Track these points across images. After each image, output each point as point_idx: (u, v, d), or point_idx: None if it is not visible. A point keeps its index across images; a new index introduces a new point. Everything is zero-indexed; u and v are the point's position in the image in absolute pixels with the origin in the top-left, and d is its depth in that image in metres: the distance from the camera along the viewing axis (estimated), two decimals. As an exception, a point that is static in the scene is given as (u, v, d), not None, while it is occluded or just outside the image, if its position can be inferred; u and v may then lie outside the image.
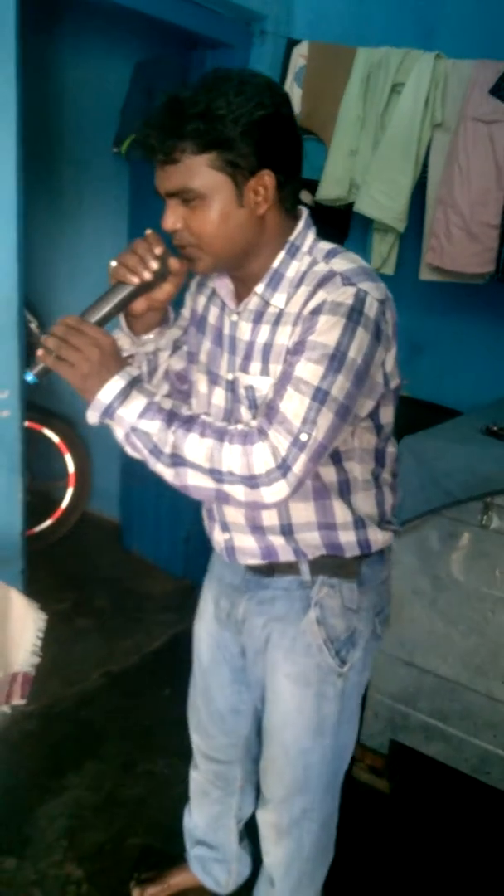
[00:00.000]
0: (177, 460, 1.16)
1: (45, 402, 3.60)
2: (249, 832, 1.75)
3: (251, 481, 1.13)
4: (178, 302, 1.44)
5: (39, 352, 1.19)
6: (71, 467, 3.61)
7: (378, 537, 1.36)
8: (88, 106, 3.49)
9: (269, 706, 1.48)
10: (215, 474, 1.15)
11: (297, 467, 1.12)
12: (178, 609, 3.15)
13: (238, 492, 1.15)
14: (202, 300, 1.41)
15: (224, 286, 1.33)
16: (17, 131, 1.98)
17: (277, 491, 1.13)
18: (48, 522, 3.58)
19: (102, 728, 2.45)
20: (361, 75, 2.53)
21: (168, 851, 1.94)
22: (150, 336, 1.36)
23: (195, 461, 1.15)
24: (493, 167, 2.36)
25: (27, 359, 2.34)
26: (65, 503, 3.63)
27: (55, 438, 3.56)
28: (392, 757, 2.23)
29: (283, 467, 1.12)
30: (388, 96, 2.50)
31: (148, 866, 1.92)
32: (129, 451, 1.21)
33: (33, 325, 3.33)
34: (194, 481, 1.16)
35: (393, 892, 1.94)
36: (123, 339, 1.36)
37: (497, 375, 2.72)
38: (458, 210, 2.43)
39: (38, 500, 3.43)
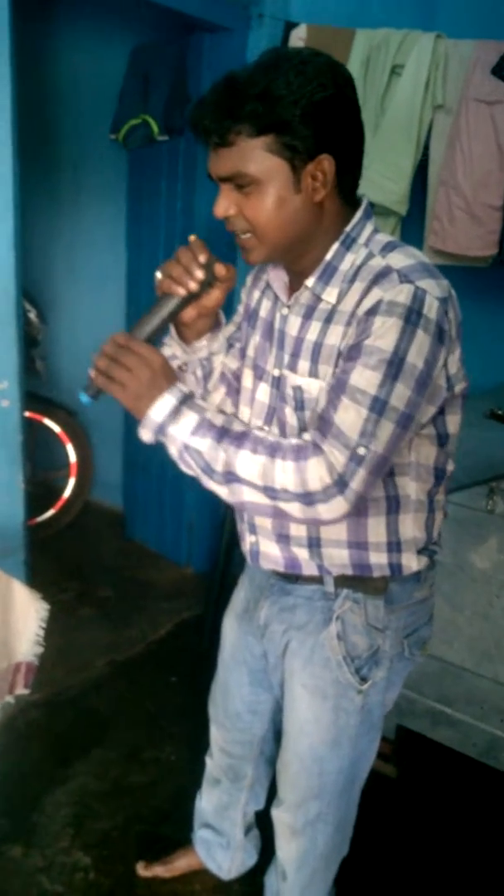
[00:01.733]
0: (230, 478, 1.13)
1: (45, 392, 3.60)
2: (262, 823, 1.75)
3: (307, 498, 1.09)
4: (232, 299, 1.41)
5: (92, 372, 1.16)
6: (72, 457, 3.61)
7: (412, 563, 1.28)
8: (85, 93, 3.47)
9: (286, 712, 1.45)
10: (269, 492, 1.11)
11: (356, 483, 1.08)
12: (182, 597, 3.15)
13: (294, 509, 1.11)
14: (256, 294, 1.35)
15: (278, 278, 1.27)
16: (12, 120, 1.96)
17: (336, 507, 1.09)
18: (50, 512, 3.58)
19: (108, 716, 2.45)
20: (361, 57, 2.50)
21: (174, 837, 1.94)
22: (203, 342, 1.33)
23: (248, 479, 1.12)
24: (496, 148, 2.34)
25: (25, 348, 2.33)
26: (67, 493, 3.63)
27: (56, 428, 3.55)
28: (399, 742, 2.23)
29: (341, 483, 1.07)
30: (388, 78, 2.48)
31: (154, 853, 1.92)
32: (183, 468, 1.18)
33: (32, 315, 3.32)
34: (250, 498, 1.13)
35: (401, 878, 1.94)
36: (175, 348, 1.33)
37: (501, 359, 2.71)
38: (461, 192, 2.41)
39: (40, 491, 3.43)
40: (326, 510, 1.09)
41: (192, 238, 1.20)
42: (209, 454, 1.14)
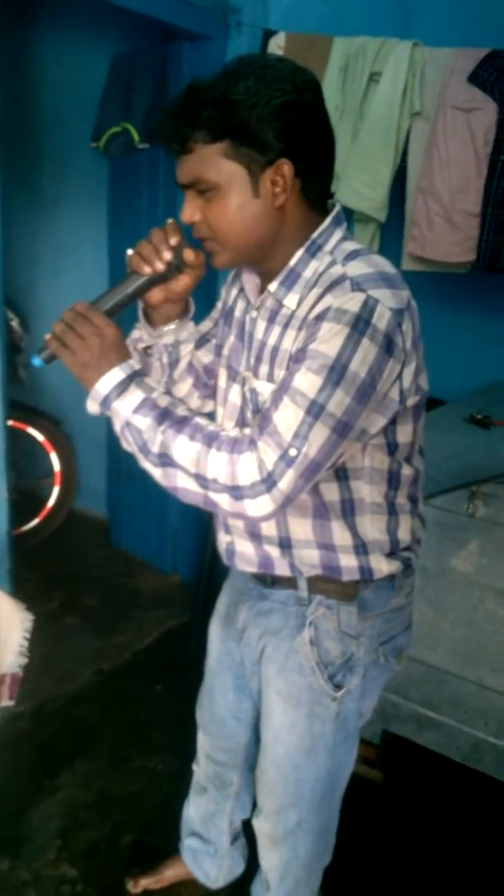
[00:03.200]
0: (164, 460, 1.13)
1: (28, 401, 3.58)
2: (249, 831, 1.75)
3: (235, 492, 1.09)
4: (211, 294, 1.41)
5: (47, 336, 1.17)
6: (56, 466, 3.59)
7: (382, 566, 1.28)
8: (66, 101, 3.46)
9: (263, 719, 1.45)
10: (201, 480, 1.11)
11: (284, 483, 1.07)
12: (169, 605, 3.15)
13: (223, 500, 1.11)
14: (234, 292, 1.36)
15: (250, 280, 1.27)
16: (-8, 128, 1.96)
17: (261, 505, 1.08)
18: (35, 521, 3.56)
19: (95, 726, 2.44)
20: (339, 65, 2.52)
21: (162, 847, 1.94)
22: (170, 328, 1.33)
23: (182, 464, 1.12)
24: (473, 155, 2.36)
25: (7, 356, 2.33)
26: (51, 502, 3.61)
27: (40, 437, 3.54)
28: (384, 747, 2.23)
29: (269, 482, 1.07)
30: (366, 85, 2.49)
31: (142, 863, 1.92)
32: (123, 444, 1.18)
33: (14, 323, 3.31)
34: (183, 484, 1.13)
35: (388, 882, 1.94)
36: (142, 330, 1.33)
37: (481, 364, 2.73)
38: (439, 199, 2.43)
39: (24, 500, 3.41)
40: (253, 506, 1.09)
41: (168, 221, 1.21)
42: (147, 434, 1.14)
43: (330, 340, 1.06)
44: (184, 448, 1.12)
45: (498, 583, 1.96)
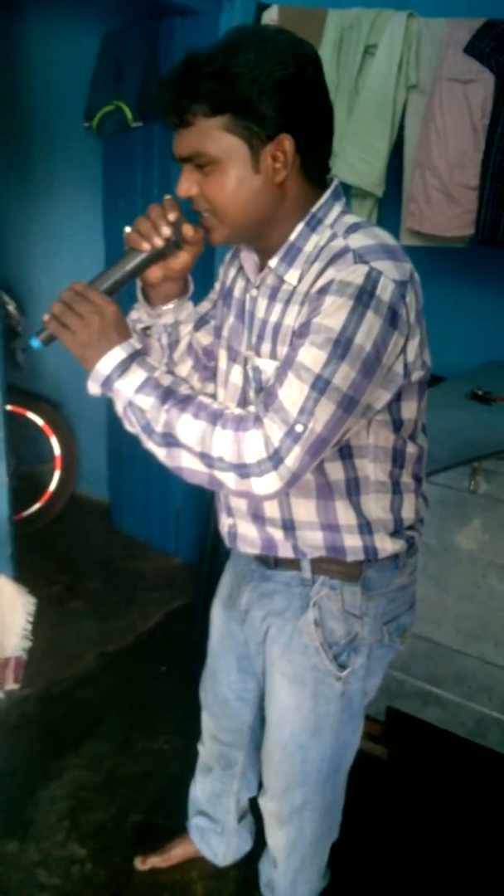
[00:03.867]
0: (169, 440, 1.12)
1: (28, 385, 3.57)
2: (255, 808, 1.76)
3: (241, 470, 1.07)
4: (210, 276, 1.39)
5: (45, 317, 1.15)
6: (57, 450, 3.59)
7: (387, 546, 1.28)
8: (57, 80, 3.42)
9: (267, 700, 1.45)
10: (206, 459, 1.10)
11: (291, 460, 1.06)
12: (172, 587, 3.15)
13: (229, 479, 1.09)
14: (232, 272, 1.34)
15: (249, 258, 1.25)
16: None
17: (269, 483, 1.07)
18: (36, 506, 3.56)
19: (100, 708, 2.45)
20: (333, 38, 2.48)
21: (169, 827, 1.95)
22: (169, 307, 1.31)
23: (187, 443, 1.10)
24: (470, 127, 2.32)
25: (4, 340, 2.31)
26: (52, 486, 3.61)
27: (39, 421, 3.53)
28: (389, 724, 2.24)
29: (275, 459, 1.05)
30: (361, 59, 2.45)
31: (149, 842, 1.93)
32: (126, 425, 1.17)
33: (11, 307, 3.29)
34: (188, 464, 1.12)
35: (394, 858, 1.96)
36: (140, 311, 1.32)
37: (481, 340, 2.71)
38: (437, 172, 2.40)
39: (25, 484, 3.41)
40: (259, 484, 1.08)
41: (166, 197, 1.19)
42: (151, 413, 1.12)
43: (334, 314, 1.04)
44: (188, 427, 1.10)
45: (500, 559, 1.95)
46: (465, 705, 2.10)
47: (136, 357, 1.15)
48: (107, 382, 1.14)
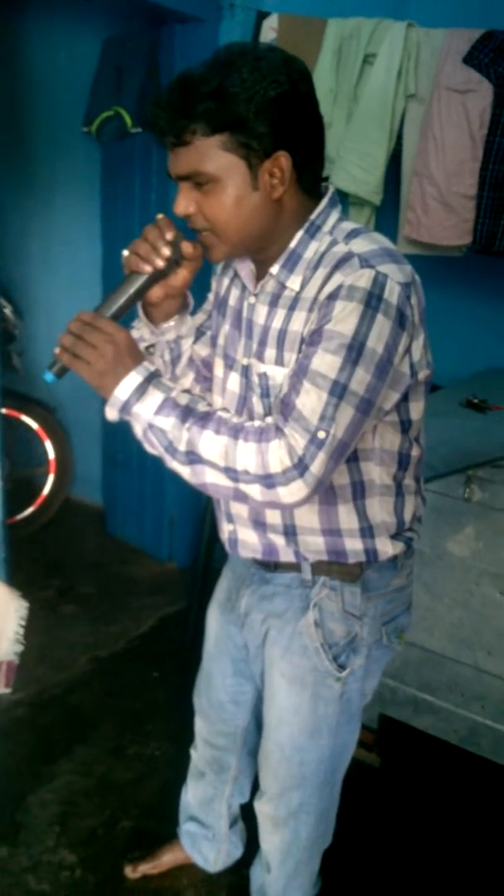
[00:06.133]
0: (192, 458, 1.12)
1: (22, 389, 3.57)
2: (246, 814, 1.75)
3: (267, 480, 1.09)
4: (204, 287, 1.41)
5: (57, 350, 1.15)
6: (51, 454, 3.58)
7: (388, 548, 1.29)
8: (57, 85, 3.43)
9: (266, 702, 1.45)
10: (230, 473, 1.11)
11: (316, 466, 1.07)
12: (165, 592, 3.15)
13: (255, 491, 1.10)
14: (225, 282, 1.35)
15: (245, 267, 1.27)
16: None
17: (295, 491, 1.08)
18: (30, 510, 3.56)
19: (92, 713, 2.44)
20: (333, 47, 2.49)
21: (160, 833, 1.94)
22: (171, 324, 1.32)
23: (210, 459, 1.11)
24: (468, 137, 2.34)
25: (3, 346, 2.31)
26: (46, 490, 3.60)
27: (34, 425, 3.52)
28: (382, 731, 2.24)
29: (301, 466, 1.07)
30: (360, 67, 2.46)
31: (141, 848, 1.92)
32: (147, 448, 1.17)
33: (7, 311, 3.29)
34: (212, 479, 1.13)
35: (386, 866, 1.95)
36: (143, 329, 1.32)
37: (476, 348, 2.72)
38: (434, 181, 2.41)
39: (18, 488, 3.40)
40: (286, 493, 1.09)
41: (159, 216, 1.20)
42: (172, 433, 1.13)
43: (345, 319, 1.06)
44: (211, 443, 1.11)
45: (494, 567, 1.96)
46: (457, 713, 2.09)
47: (151, 379, 1.15)
48: (125, 407, 1.15)
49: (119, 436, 3.21)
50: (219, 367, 1.35)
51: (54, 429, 3.59)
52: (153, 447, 1.16)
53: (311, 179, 1.18)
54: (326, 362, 1.07)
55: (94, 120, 3.03)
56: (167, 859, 1.88)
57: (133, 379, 1.14)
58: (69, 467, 3.70)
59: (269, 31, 2.61)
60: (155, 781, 2.17)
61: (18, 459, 3.53)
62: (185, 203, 1.15)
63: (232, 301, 1.32)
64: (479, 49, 2.29)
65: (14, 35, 3.45)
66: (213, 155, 1.10)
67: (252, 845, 1.72)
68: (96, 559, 3.40)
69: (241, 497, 1.13)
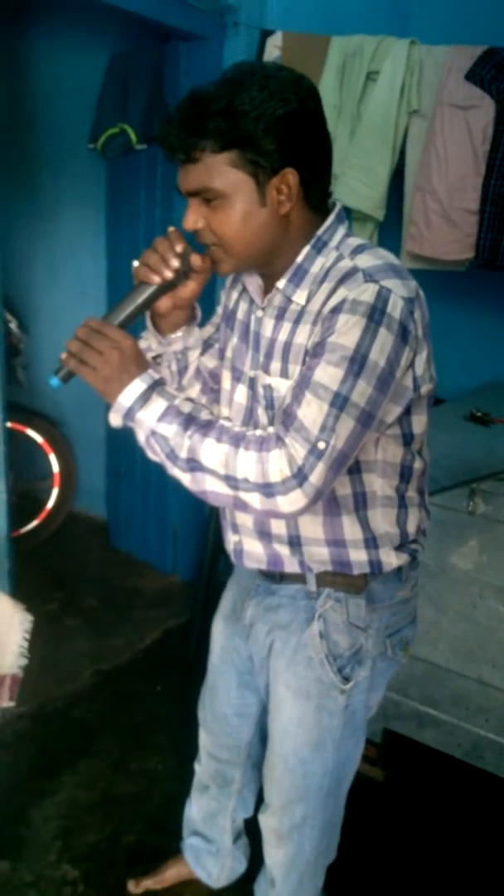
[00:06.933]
0: (193, 465, 1.14)
1: (27, 402, 3.58)
2: (250, 830, 1.74)
3: (266, 489, 1.10)
4: (212, 300, 1.42)
5: (63, 355, 1.17)
6: (55, 467, 3.59)
7: (392, 560, 1.30)
8: (63, 101, 3.46)
9: (271, 714, 1.45)
10: (231, 481, 1.12)
11: (315, 477, 1.08)
12: (168, 605, 3.14)
13: (254, 500, 1.12)
14: (234, 295, 1.37)
15: (253, 281, 1.29)
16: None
17: (294, 500, 1.09)
18: (34, 523, 3.56)
19: (95, 726, 2.43)
20: (336, 64, 2.52)
21: (163, 847, 1.93)
22: (178, 334, 1.34)
23: (211, 467, 1.12)
24: (471, 153, 2.36)
25: (6, 358, 2.32)
26: (50, 503, 3.61)
27: (38, 438, 3.53)
28: (385, 745, 2.23)
29: (300, 476, 1.08)
30: (363, 84, 2.49)
31: (144, 863, 1.91)
32: (149, 454, 1.19)
33: (13, 325, 3.31)
34: (212, 487, 1.14)
35: (390, 881, 1.94)
36: (150, 339, 1.34)
37: (479, 362, 2.73)
38: (437, 197, 2.43)
39: (23, 501, 3.41)
40: (285, 502, 1.10)
41: (170, 229, 1.22)
42: (175, 441, 1.14)
43: (348, 332, 1.08)
44: (212, 451, 1.12)
45: (498, 580, 1.95)
46: (461, 727, 2.09)
47: (156, 387, 1.17)
48: (129, 414, 1.16)
49: (123, 449, 3.22)
50: (226, 380, 1.36)
51: (58, 442, 3.60)
52: (155, 454, 1.18)
53: (318, 196, 1.20)
54: (328, 374, 1.08)
55: (99, 136, 3.06)
56: (170, 874, 1.87)
57: (137, 386, 1.15)
58: (73, 480, 3.70)
59: (273, 49, 2.64)
60: (158, 795, 2.17)
61: (23, 472, 3.53)
62: (194, 218, 1.17)
63: (240, 314, 1.34)
64: (481, 66, 2.31)
65: (21, 51, 3.49)
66: (221, 171, 1.12)
67: (256, 861, 1.71)
68: (100, 572, 3.40)
69: (241, 505, 1.14)
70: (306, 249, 1.20)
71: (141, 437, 1.18)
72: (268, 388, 1.24)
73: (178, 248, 1.20)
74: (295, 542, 1.30)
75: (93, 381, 1.16)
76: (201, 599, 2.77)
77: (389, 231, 2.62)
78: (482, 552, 1.96)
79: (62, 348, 1.18)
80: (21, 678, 1.66)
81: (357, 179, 2.49)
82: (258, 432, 1.14)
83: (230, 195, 1.13)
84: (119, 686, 2.64)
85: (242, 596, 1.48)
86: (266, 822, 1.53)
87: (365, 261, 1.13)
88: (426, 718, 2.14)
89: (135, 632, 2.95)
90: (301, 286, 1.20)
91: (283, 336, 1.21)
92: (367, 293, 1.08)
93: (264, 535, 1.32)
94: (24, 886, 1.87)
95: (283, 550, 1.31)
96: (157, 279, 1.20)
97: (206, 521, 2.89)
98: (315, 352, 1.12)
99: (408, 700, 2.15)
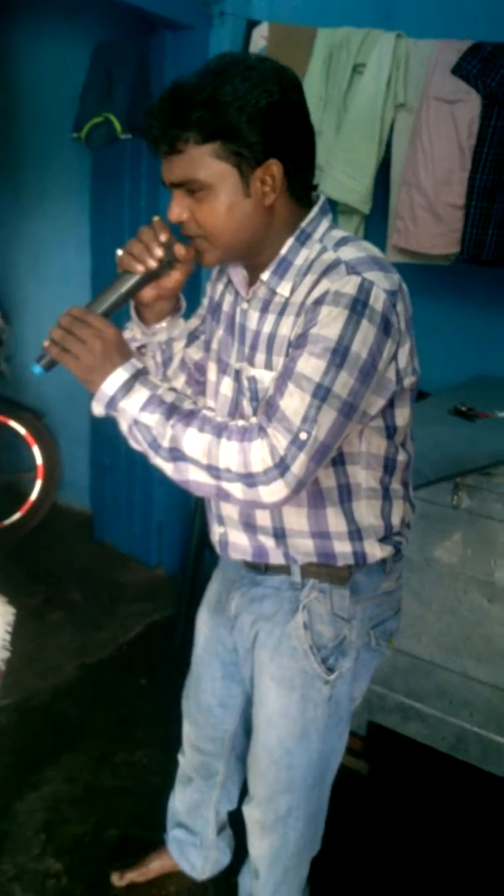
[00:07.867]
0: (175, 454, 1.14)
1: (10, 394, 3.55)
2: (234, 822, 1.75)
3: (248, 479, 1.10)
4: (198, 292, 1.42)
5: (46, 343, 1.17)
6: (39, 459, 3.57)
7: (376, 551, 1.31)
8: (47, 91, 3.43)
9: (255, 705, 1.46)
10: (213, 471, 1.12)
11: (297, 467, 1.09)
12: (153, 598, 3.14)
13: (236, 489, 1.12)
14: (220, 287, 1.38)
15: (238, 273, 1.29)
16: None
17: (276, 491, 1.10)
18: (17, 515, 3.54)
19: (79, 720, 2.43)
20: (323, 56, 2.51)
21: (147, 840, 1.93)
22: (162, 325, 1.34)
23: (193, 456, 1.13)
24: (456, 147, 2.36)
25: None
26: (34, 495, 3.59)
27: (21, 430, 3.51)
28: (370, 738, 2.24)
29: (282, 466, 1.09)
30: (349, 77, 2.48)
31: (128, 856, 1.91)
32: (132, 443, 1.19)
33: (-4, 317, 3.28)
34: (194, 477, 1.14)
35: (374, 874, 1.95)
36: (135, 329, 1.34)
37: (464, 356, 2.73)
38: (423, 191, 2.43)
39: (5, 493, 3.40)
40: (267, 492, 1.11)
41: (155, 219, 1.22)
42: (157, 430, 1.15)
43: (330, 324, 1.08)
44: (194, 440, 1.13)
45: (481, 574, 1.96)
46: (445, 720, 2.10)
47: (138, 376, 1.17)
48: (111, 403, 1.16)
49: (107, 441, 3.20)
50: (212, 372, 1.36)
51: (42, 434, 3.58)
52: (138, 443, 1.18)
53: (301, 187, 1.20)
54: (311, 365, 1.09)
55: (83, 126, 3.03)
56: (154, 867, 1.87)
57: (120, 375, 1.16)
58: (57, 473, 3.68)
59: (259, 40, 2.62)
60: (142, 788, 2.16)
61: (6, 464, 3.52)
62: (178, 210, 1.17)
63: (226, 306, 1.34)
64: (467, 60, 2.31)
65: (3, 40, 3.45)
66: (205, 163, 1.12)
67: (240, 853, 1.72)
68: (84, 565, 3.39)
69: (224, 495, 1.14)
70: (290, 241, 1.20)
71: (123, 426, 1.18)
72: (252, 379, 1.24)
73: (163, 237, 1.20)
74: (280, 534, 1.30)
75: (75, 370, 1.16)
76: (186, 593, 2.76)
77: (375, 224, 2.62)
78: (466, 546, 1.97)
79: (46, 339, 1.18)
80: (4, 672, 1.65)
81: (343, 172, 2.48)
82: (241, 422, 1.15)
83: (214, 186, 1.13)
84: (103, 680, 2.64)
85: (227, 587, 1.49)
86: (250, 813, 1.53)
87: (348, 253, 1.13)
88: (410, 711, 2.15)
89: (119, 625, 2.95)
90: (285, 278, 1.20)
91: (267, 328, 1.22)
92: (349, 285, 1.09)
93: (249, 526, 1.32)
94: (7, 880, 1.87)
95: (268, 542, 1.32)
96: (140, 268, 1.20)
97: (191, 514, 2.88)
98: (298, 343, 1.12)
99: (392, 693, 2.16)
